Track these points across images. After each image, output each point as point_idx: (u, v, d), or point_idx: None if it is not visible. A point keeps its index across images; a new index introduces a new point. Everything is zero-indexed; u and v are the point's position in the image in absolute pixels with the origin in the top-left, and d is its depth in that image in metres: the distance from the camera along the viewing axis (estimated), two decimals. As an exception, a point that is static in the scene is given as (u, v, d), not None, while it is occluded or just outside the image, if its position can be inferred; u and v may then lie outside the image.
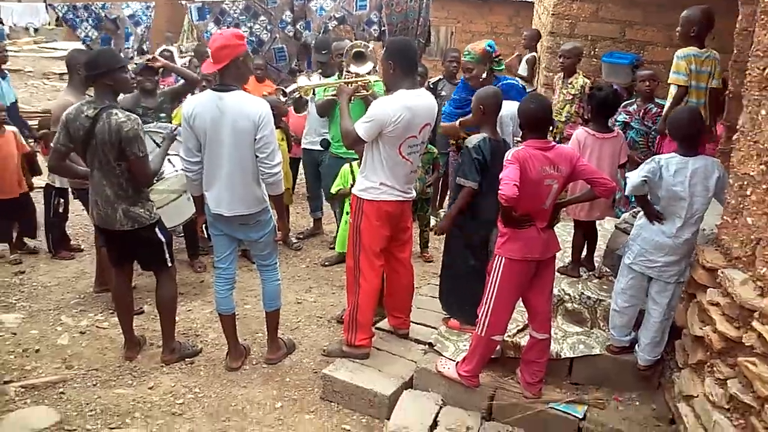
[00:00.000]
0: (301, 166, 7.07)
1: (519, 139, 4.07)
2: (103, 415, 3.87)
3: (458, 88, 5.31)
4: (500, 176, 3.38)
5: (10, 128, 6.16)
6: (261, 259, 4.37)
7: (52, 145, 4.17)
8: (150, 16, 9.88)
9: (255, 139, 3.86)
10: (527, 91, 8.12)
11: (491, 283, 3.68)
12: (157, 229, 4.23)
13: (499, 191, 3.31)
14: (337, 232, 5.90)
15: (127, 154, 3.93)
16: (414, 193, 4.30)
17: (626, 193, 3.84)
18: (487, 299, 3.71)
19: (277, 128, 6.14)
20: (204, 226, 4.35)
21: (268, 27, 9.33)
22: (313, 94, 5.91)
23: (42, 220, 6.36)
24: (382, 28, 9.61)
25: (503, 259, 3.62)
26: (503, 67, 5.07)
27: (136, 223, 4.09)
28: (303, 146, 6.61)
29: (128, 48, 9.45)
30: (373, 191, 4.06)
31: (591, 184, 3.69)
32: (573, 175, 3.63)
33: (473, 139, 4.15)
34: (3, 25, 9.89)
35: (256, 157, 3.91)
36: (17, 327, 4.87)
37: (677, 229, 3.64)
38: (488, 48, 4.82)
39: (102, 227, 4.19)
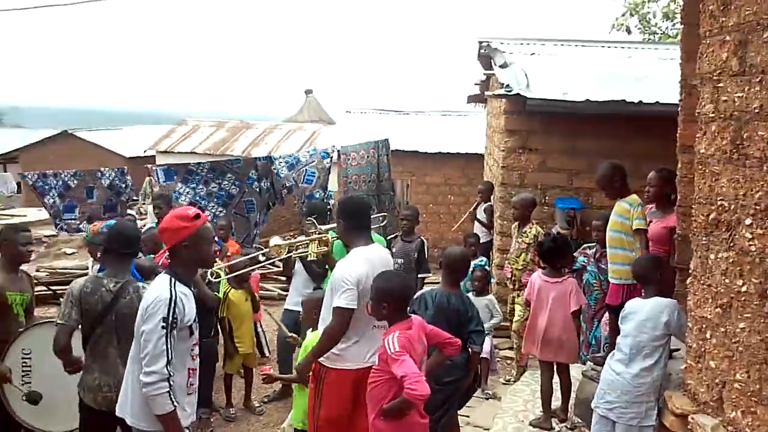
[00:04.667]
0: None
1: None
2: None
3: None
4: (402, 373, 3.12)
5: None
6: None
7: (61, 322, 3.82)
8: (128, 183, 10.14)
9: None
10: (482, 241, 8.34)
11: None
12: None
13: (412, 391, 3.06)
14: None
15: None
16: None
17: None
18: None
19: (240, 289, 6.25)
20: None
21: (236, 183, 9.62)
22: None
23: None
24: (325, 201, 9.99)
25: None
26: None
27: None
28: (285, 306, 6.60)
29: (116, 216, 9.70)
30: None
31: (440, 347, 3.66)
32: (428, 340, 3.55)
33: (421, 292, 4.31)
34: None
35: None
36: None
37: (624, 364, 3.72)
38: None
39: (105, 410, 3.77)
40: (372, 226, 6.49)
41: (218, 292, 6.02)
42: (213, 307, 5.82)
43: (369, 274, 3.82)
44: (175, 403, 3.08)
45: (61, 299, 4.36)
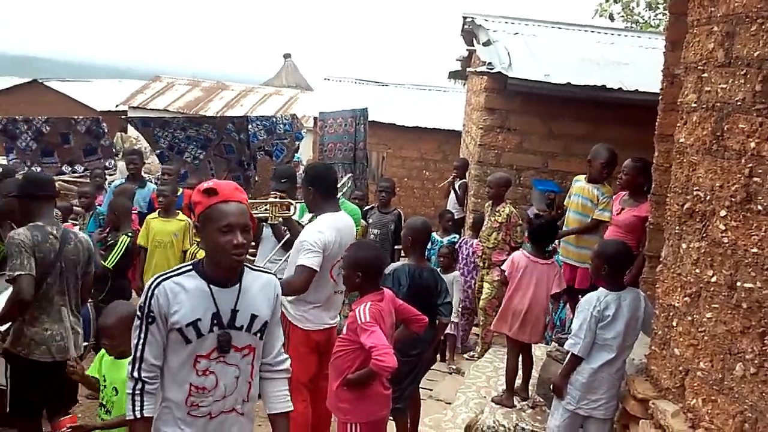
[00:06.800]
0: None
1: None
2: None
3: None
4: (371, 344, 3.15)
5: None
6: None
7: (24, 272, 3.59)
8: (104, 129, 10.06)
9: None
10: (455, 217, 8.34)
11: None
12: None
13: (380, 363, 3.10)
14: None
15: (89, 270, 3.99)
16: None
17: (579, 353, 3.70)
18: None
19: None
20: None
21: (214, 130, 9.53)
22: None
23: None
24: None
25: (357, 426, 3.38)
26: None
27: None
28: None
29: (98, 160, 9.91)
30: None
31: (407, 323, 3.67)
32: (396, 315, 3.57)
33: (393, 265, 4.32)
34: None
35: None
36: None
37: (611, 363, 3.68)
38: None
39: (60, 360, 3.73)
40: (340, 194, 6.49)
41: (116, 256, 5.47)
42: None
43: (337, 241, 3.90)
44: (140, 414, 2.51)
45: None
